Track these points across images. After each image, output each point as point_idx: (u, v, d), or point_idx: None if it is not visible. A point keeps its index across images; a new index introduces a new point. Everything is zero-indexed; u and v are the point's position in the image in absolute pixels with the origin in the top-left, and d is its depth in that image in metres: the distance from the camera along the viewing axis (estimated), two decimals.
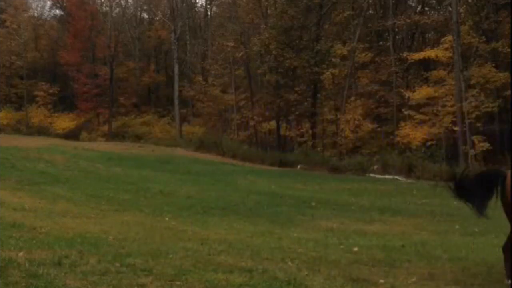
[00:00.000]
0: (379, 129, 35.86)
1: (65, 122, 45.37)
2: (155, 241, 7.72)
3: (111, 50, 47.26)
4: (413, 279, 5.69)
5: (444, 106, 31.51)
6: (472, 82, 30.95)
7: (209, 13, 55.64)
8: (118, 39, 49.74)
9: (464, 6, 35.39)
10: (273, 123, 38.95)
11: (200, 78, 46.18)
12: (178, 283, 5.11)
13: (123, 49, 52.92)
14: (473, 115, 29.40)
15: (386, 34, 38.04)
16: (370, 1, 39.75)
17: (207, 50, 48.98)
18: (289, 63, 35.11)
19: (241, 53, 39.65)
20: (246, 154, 33.60)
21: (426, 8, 41.14)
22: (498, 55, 32.96)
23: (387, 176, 26.82)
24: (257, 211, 13.68)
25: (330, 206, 15.40)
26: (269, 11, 40.52)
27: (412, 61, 33.97)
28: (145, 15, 58.77)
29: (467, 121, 28.97)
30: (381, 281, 5.56)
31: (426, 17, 36.55)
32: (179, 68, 44.42)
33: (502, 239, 9.97)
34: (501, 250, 6.53)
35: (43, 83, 48.12)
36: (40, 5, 67.76)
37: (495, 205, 17.99)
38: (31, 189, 14.49)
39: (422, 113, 32.37)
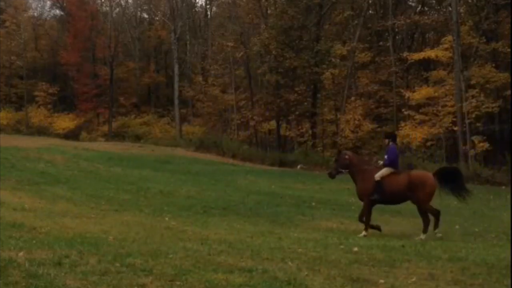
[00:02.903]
0: (379, 129, 35.84)
1: (65, 122, 45.35)
2: (155, 241, 7.72)
3: (111, 50, 47.26)
4: (413, 279, 5.69)
5: (444, 106, 31.51)
6: (472, 82, 30.94)
7: (209, 13, 55.68)
8: (118, 39, 49.75)
9: (464, 6, 35.39)
10: (273, 123, 38.95)
11: (200, 78, 46.19)
12: (178, 283, 5.11)
13: (123, 49, 52.93)
14: (473, 115, 29.40)
15: (386, 34, 38.02)
16: (370, 1, 39.75)
17: (207, 50, 48.99)
18: (289, 63, 35.10)
19: (241, 53, 39.65)
20: (246, 154, 33.60)
21: (426, 8, 41.13)
22: (498, 55, 32.96)
23: None
24: (257, 211, 13.68)
25: (330, 206, 15.41)
26: (269, 11, 40.52)
27: (412, 61, 33.94)
28: (145, 15, 58.82)
29: (467, 121, 28.96)
30: (381, 281, 5.56)
31: (426, 17, 36.55)
32: (179, 68, 44.44)
33: (502, 239, 10.00)
34: (501, 249, 6.68)
35: (43, 83, 48.10)
36: (40, 5, 68.02)
37: (495, 205, 18.05)
38: (31, 189, 14.49)
39: (422, 113, 32.36)
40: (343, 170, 10.95)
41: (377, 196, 10.41)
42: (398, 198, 10.60)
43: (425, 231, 10.22)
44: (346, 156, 11.01)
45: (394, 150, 10.80)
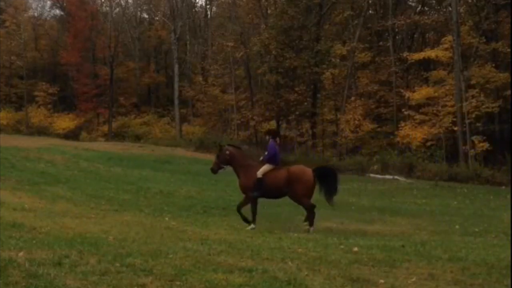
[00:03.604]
0: (379, 129, 35.87)
1: (65, 122, 45.36)
2: (155, 241, 7.72)
3: (111, 50, 47.26)
4: (413, 279, 5.69)
5: (444, 106, 31.53)
6: (472, 82, 30.97)
7: (209, 13, 55.69)
8: (118, 39, 49.73)
9: (464, 6, 35.40)
10: (273, 123, 38.95)
11: (200, 78, 46.19)
12: (178, 283, 5.10)
13: (123, 49, 52.93)
14: (473, 115, 29.41)
15: (386, 34, 38.05)
16: (370, 1, 39.76)
17: (207, 50, 49.00)
18: (289, 63, 35.11)
19: (241, 53, 39.66)
20: (246, 154, 33.55)
21: (426, 8, 41.16)
22: (498, 55, 32.98)
23: (387, 176, 26.82)
24: (257, 211, 13.66)
25: (330, 206, 15.37)
26: (269, 11, 40.54)
27: (412, 61, 33.97)
28: (145, 15, 58.84)
29: (467, 121, 28.97)
30: (381, 281, 5.55)
31: (426, 17, 36.58)
32: (179, 68, 44.43)
33: (502, 239, 9.99)
34: (501, 249, 6.68)
35: (43, 83, 48.13)
36: (40, 5, 67.87)
37: (495, 205, 18.03)
38: (31, 189, 14.49)
39: (422, 113, 32.39)
40: (224, 166, 11.22)
41: (257, 193, 10.78)
42: (278, 193, 10.92)
43: (311, 223, 10.69)
44: (228, 152, 11.18)
45: (274, 147, 11.03)
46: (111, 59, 47.04)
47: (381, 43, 38.95)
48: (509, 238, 9.42)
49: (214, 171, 11.37)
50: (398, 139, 32.63)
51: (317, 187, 10.89)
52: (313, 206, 10.77)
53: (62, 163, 21.58)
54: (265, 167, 10.76)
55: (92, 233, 8.26)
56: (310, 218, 10.70)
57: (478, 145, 28.87)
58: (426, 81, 35.21)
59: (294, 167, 11.29)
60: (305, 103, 36.01)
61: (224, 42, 41.59)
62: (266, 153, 11.03)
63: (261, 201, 15.65)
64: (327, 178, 10.93)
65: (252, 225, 10.78)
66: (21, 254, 5.89)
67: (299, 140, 36.70)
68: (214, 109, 44.43)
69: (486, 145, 28.82)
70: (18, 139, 31.24)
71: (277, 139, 11.55)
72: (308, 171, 10.78)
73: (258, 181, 10.65)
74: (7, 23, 48.05)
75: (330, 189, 10.89)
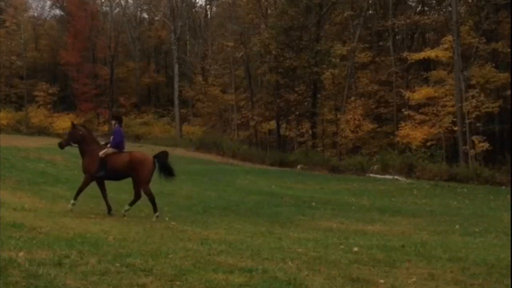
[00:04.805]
0: (379, 129, 35.88)
1: (65, 122, 45.22)
2: (155, 241, 7.72)
3: (111, 50, 47.28)
4: (413, 279, 5.69)
5: (444, 106, 31.55)
6: (472, 82, 30.97)
7: (209, 13, 55.72)
8: (118, 39, 49.75)
9: (464, 6, 35.41)
10: (273, 123, 38.96)
11: (200, 78, 46.21)
12: (178, 283, 5.11)
13: (123, 49, 52.93)
14: (473, 115, 29.42)
15: (386, 34, 38.05)
16: (370, 1, 39.76)
17: (207, 50, 49.02)
18: (289, 63, 35.11)
19: (241, 53, 39.67)
20: (246, 154, 33.60)
21: (426, 8, 41.15)
22: (498, 55, 32.98)
23: (387, 176, 26.81)
24: (257, 211, 13.68)
25: (330, 206, 15.39)
26: (269, 11, 40.55)
27: (412, 61, 33.98)
28: (145, 15, 58.87)
29: (467, 121, 28.98)
30: (381, 281, 5.55)
31: (426, 17, 36.57)
32: (179, 68, 44.47)
33: (502, 239, 10.00)
34: (501, 249, 6.69)
35: (43, 83, 48.12)
36: (40, 5, 67.75)
37: (495, 205, 18.02)
38: (31, 189, 14.47)
39: (422, 113, 32.40)
40: (73, 144, 11.54)
41: (102, 173, 11.15)
42: (119, 175, 11.39)
43: (155, 210, 11.08)
44: (80, 132, 11.54)
45: (120, 132, 11.47)
46: (111, 59, 47.06)
47: (381, 43, 38.95)
48: (509, 238, 9.42)
49: (62, 146, 11.68)
50: (398, 139, 32.64)
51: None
52: (153, 196, 11.16)
53: (62, 163, 21.55)
54: (108, 150, 11.21)
55: (92, 233, 8.26)
56: (153, 205, 11.13)
57: (478, 145, 28.87)
58: (426, 81, 35.22)
59: (136, 153, 11.76)
60: (305, 103, 36.01)
61: (224, 42, 41.59)
62: (112, 138, 11.43)
63: (262, 201, 15.68)
64: (165, 166, 11.47)
65: (109, 210, 11.24)
66: (21, 254, 5.89)
67: (299, 140, 36.71)
68: (214, 109, 44.46)
69: (486, 145, 28.82)
70: (18, 139, 31.20)
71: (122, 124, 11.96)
72: (149, 158, 11.31)
73: (100, 161, 11.06)
74: (7, 23, 47.99)
75: (167, 174, 11.46)
